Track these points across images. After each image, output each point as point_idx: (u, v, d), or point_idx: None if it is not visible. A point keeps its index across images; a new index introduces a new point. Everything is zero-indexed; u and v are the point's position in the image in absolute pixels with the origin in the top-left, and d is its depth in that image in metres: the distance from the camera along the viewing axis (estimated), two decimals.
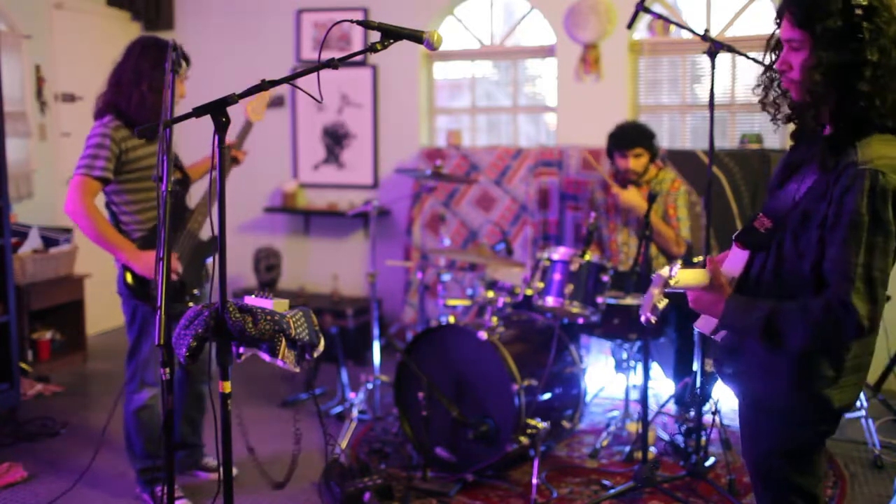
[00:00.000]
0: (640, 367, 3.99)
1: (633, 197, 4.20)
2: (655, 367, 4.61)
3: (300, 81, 2.07)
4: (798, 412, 2.00)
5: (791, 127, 2.12)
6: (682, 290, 2.08)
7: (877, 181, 1.80)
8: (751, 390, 2.08)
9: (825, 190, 1.87)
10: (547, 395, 3.78)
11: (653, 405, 4.31)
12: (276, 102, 6.24)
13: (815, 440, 2.05)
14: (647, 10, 3.62)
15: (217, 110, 2.00)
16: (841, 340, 1.90)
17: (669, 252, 4.25)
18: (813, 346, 1.90)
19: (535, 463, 3.50)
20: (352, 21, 2.11)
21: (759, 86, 2.10)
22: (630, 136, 4.25)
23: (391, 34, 2.09)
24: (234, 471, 3.52)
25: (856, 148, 1.85)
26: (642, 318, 2.03)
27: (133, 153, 3.23)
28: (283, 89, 6.31)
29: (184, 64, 3.16)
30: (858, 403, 3.82)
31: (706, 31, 3.37)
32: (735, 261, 2.09)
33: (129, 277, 3.26)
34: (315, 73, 2.01)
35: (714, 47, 3.33)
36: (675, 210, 4.27)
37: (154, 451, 3.38)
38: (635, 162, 4.25)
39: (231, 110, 2.03)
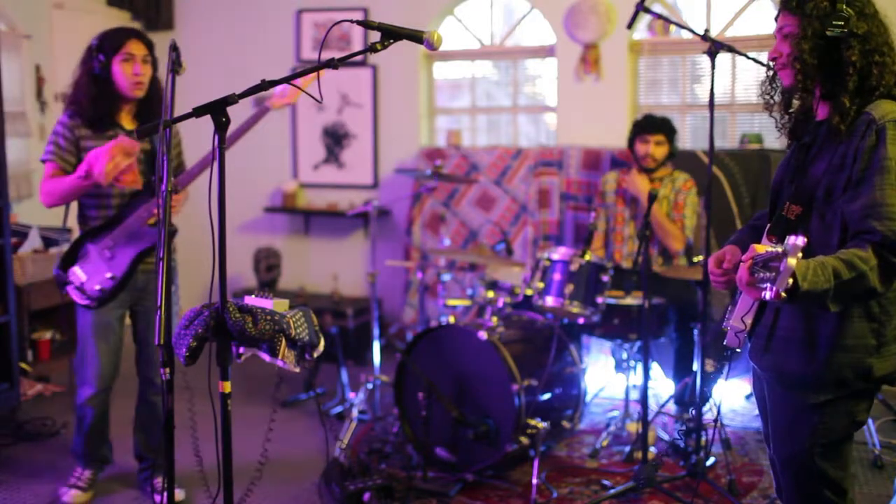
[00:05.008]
0: (640, 367, 3.99)
1: (639, 180, 4.31)
2: (655, 367, 4.62)
3: (300, 81, 2.08)
4: (838, 384, 2.03)
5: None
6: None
7: None
8: (789, 372, 2.10)
9: (842, 160, 1.99)
10: (547, 395, 3.78)
11: (653, 405, 4.31)
12: None
13: (849, 429, 2.09)
14: (647, 10, 3.62)
15: (217, 110, 2.01)
16: (891, 281, 1.93)
17: (669, 248, 4.29)
18: (878, 294, 1.93)
19: (535, 463, 3.50)
20: (352, 21, 2.11)
21: (764, 93, 2.22)
22: (655, 122, 4.35)
23: (391, 34, 2.09)
24: (181, 494, 3.48)
25: (867, 112, 1.98)
26: (770, 295, 1.74)
27: (84, 143, 3.27)
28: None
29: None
30: None
31: (706, 31, 3.37)
32: None
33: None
34: (315, 73, 2.01)
35: (714, 47, 3.34)
36: (682, 207, 4.31)
37: (88, 452, 3.48)
38: (656, 148, 4.32)
39: (231, 110, 2.03)
